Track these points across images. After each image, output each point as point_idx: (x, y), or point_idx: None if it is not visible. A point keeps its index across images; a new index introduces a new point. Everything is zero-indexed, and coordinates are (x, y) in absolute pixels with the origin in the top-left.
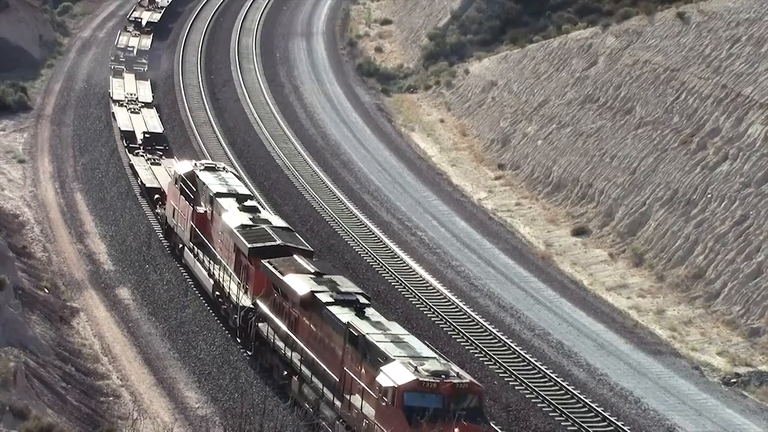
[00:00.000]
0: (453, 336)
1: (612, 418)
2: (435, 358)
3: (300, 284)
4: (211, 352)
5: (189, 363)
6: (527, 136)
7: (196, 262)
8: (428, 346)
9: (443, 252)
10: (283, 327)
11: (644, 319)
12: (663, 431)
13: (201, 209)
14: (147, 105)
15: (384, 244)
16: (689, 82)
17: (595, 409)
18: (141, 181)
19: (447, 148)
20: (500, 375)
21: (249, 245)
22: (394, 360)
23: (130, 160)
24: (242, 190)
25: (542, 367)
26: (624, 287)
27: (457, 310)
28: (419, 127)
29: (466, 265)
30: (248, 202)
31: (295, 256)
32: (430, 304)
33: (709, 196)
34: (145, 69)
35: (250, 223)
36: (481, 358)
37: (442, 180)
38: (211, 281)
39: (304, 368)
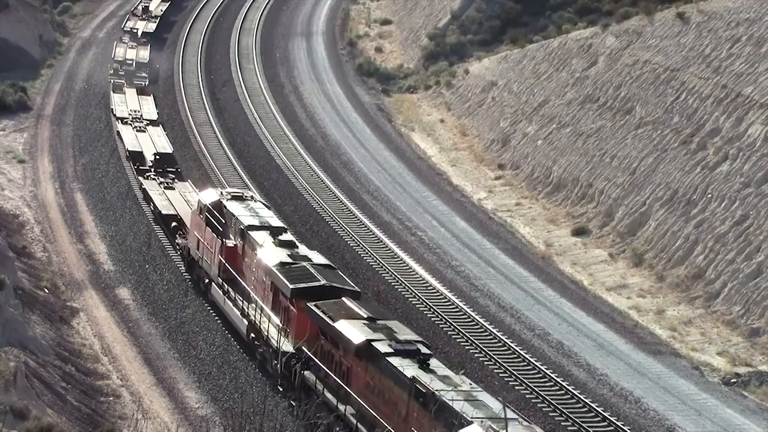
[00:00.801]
0: (453, 336)
1: (612, 418)
2: (516, 419)
3: (354, 332)
4: (211, 352)
5: (189, 363)
6: (527, 136)
7: (226, 299)
8: (503, 403)
9: (443, 252)
10: (334, 377)
11: (644, 319)
12: (663, 431)
13: (230, 243)
14: (152, 123)
15: (384, 244)
16: (689, 82)
17: (595, 409)
18: (155, 208)
19: (447, 148)
20: (500, 375)
21: (291, 286)
22: (472, 422)
23: (141, 185)
24: (275, 222)
25: (542, 367)
26: (624, 287)
27: (457, 310)
28: (419, 127)
29: (466, 265)
30: (284, 236)
31: (344, 298)
32: (430, 304)
33: (709, 196)
34: (146, 83)
35: (289, 260)
36: (481, 358)
37: (442, 180)
38: (245, 322)
39: (360, 425)
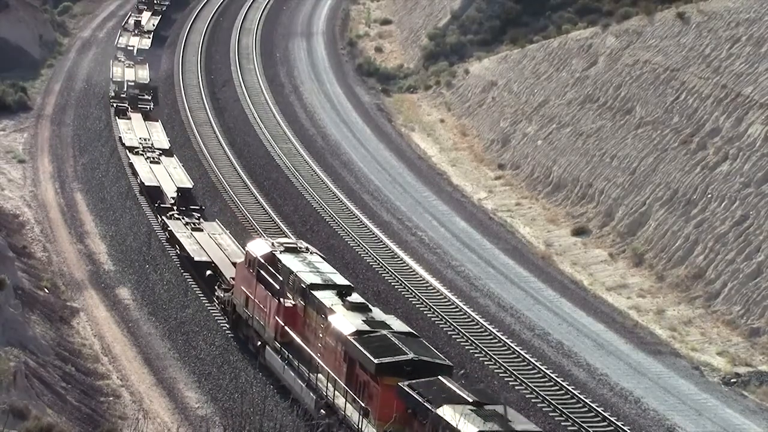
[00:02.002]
0: (453, 336)
1: (612, 418)
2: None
3: (463, 423)
4: (211, 352)
5: (189, 363)
6: (527, 136)
7: (286, 367)
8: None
9: (443, 252)
10: None
11: (644, 319)
12: (663, 431)
13: (289, 303)
14: (165, 152)
15: (384, 244)
16: (689, 82)
17: (595, 409)
18: (182, 251)
19: (447, 148)
20: (500, 375)
21: (376, 361)
22: None
23: (166, 226)
24: (339, 279)
25: (542, 367)
26: (624, 287)
27: (457, 310)
28: (419, 127)
29: (466, 265)
30: (353, 297)
31: (440, 377)
32: (430, 304)
33: (709, 196)
34: (152, 107)
35: (366, 327)
36: (481, 358)
37: (442, 180)
38: (312, 395)
39: None
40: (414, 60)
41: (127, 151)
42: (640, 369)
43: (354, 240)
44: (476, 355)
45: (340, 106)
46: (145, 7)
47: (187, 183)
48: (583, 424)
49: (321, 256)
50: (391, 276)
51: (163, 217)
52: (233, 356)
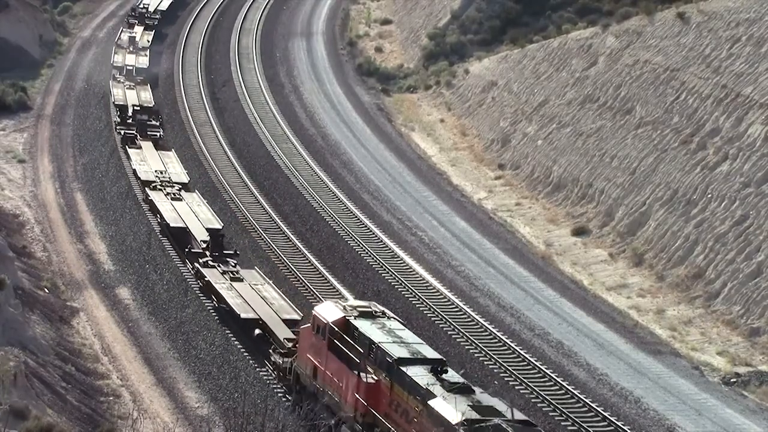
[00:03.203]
0: (453, 336)
1: (612, 418)
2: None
3: None
4: (211, 352)
5: (189, 363)
6: (527, 136)
7: None
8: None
9: (443, 252)
10: None
11: (644, 319)
12: (663, 431)
13: (370, 378)
14: (185, 186)
15: (384, 244)
16: (689, 82)
17: (595, 409)
18: (227, 307)
19: (447, 147)
20: (500, 375)
21: None
22: None
23: (202, 275)
24: (427, 351)
25: (542, 367)
26: (624, 287)
27: (457, 310)
28: (419, 127)
29: (466, 265)
30: (450, 375)
31: None
32: (430, 304)
33: (709, 196)
34: (161, 134)
35: (476, 415)
36: (481, 358)
37: (442, 180)
38: None
39: None
40: (414, 60)
41: (144, 186)
42: (640, 369)
43: (354, 240)
44: (476, 355)
45: (340, 106)
46: (136, 22)
47: (217, 224)
48: (583, 424)
49: (400, 322)
50: (391, 276)
51: (197, 265)
52: (233, 356)
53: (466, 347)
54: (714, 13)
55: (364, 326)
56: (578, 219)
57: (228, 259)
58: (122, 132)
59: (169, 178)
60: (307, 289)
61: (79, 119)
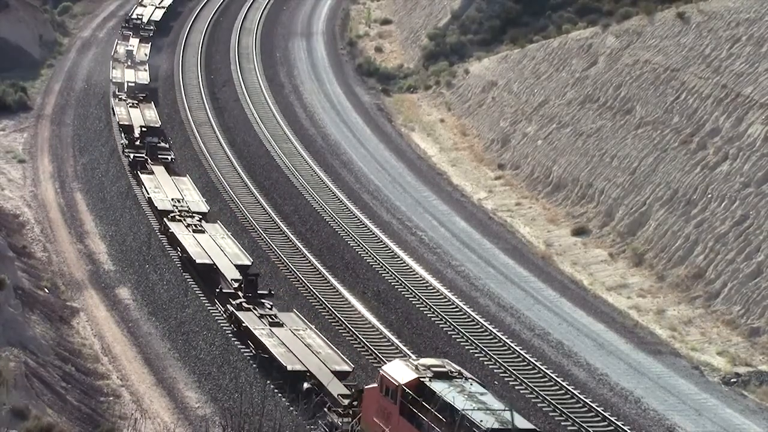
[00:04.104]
0: (453, 336)
1: (612, 418)
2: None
3: None
4: (211, 352)
5: (189, 363)
6: (527, 136)
7: None
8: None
9: (443, 252)
10: None
11: (644, 318)
12: (663, 431)
13: None
14: (205, 217)
15: (384, 244)
16: (689, 82)
17: (595, 409)
18: (266, 354)
19: (447, 148)
20: (500, 375)
21: None
22: None
23: (238, 320)
24: (521, 421)
25: (542, 367)
26: (624, 287)
27: (457, 310)
28: (419, 127)
29: (466, 265)
30: None
31: None
32: (430, 304)
33: (709, 196)
34: (172, 157)
35: None
36: (481, 358)
37: (442, 180)
38: None
39: None
40: (414, 60)
41: (161, 216)
42: (640, 369)
43: (354, 240)
44: (476, 355)
45: (340, 106)
46: (131, 33)
47: (246, 260)
48: (583, 424)
49: (479, 383)
50: (391, 276)
51: (231, 308)
52: (233, 356)
53: (466, 347)
54: (714, 13)
55: (442, 390)
56: (578, 219)
57: (263, 301)
58: (131, 155)
59: (188, 207)
60: (307, 290)
61: (79, 119)
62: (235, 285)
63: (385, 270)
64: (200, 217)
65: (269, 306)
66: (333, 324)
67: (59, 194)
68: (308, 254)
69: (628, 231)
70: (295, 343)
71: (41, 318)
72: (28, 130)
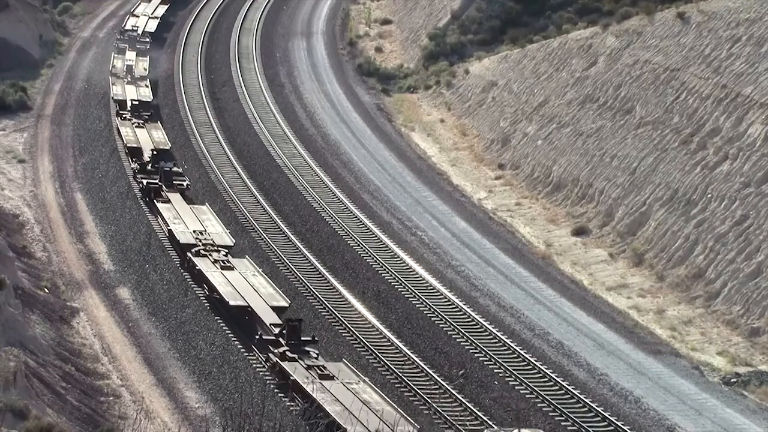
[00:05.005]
0: (453, 336)
1: (612, 418)
2: None
3: None
4: (211, 352)
5: (189, 363)
6: (527, 136)
7: None
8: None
9: (443, 252)
10: None
11: (644, 318)
12: (663, 431)
13: None
14: (229, 250)
15: (384, 244)
16: (689, 82)
17: (595, 409)
18: (323, 412)
19: (447, 147)
20: (500, 375)
21: None
22: None
23: (286, 373)
24: None
25: (542, 367)
26: (624, 287)
27: (457, 310)
28: (419, 127)
29: (466, 265)
30: None
31: None
32: (430, 304)
33: (709, 196)
34: (187, 184)
35: None
36: (481, 358)
37: (442, 180)
38: None
39: None
40: (414, 60)
41: (183, 250)
42: (640, 369)
43: (354, 240)
44: (476, 355)
45: (340, 106)
46: (127, 46)
47: (283, 301)
48: (583, 424)
49: None
50: (391, 276)
51: (275, 358)
52: (233, 356)
53: (466, 347)
54: (714, 13)
55: None
56: (578, 219)
57: (311, 351)
58: (144, 182)
59: (212, 240)
60: (307, 290)
61: (79, 119)
62: (276, 331)
63: (385, 270)
64: (226, 251)
65: (315, 355)
66: (333, 325)
67: (59, 194)
68: (308, 254)
69: (628, 231)
70: (352, 400)
71: (41, 318)
72: (28, 130)
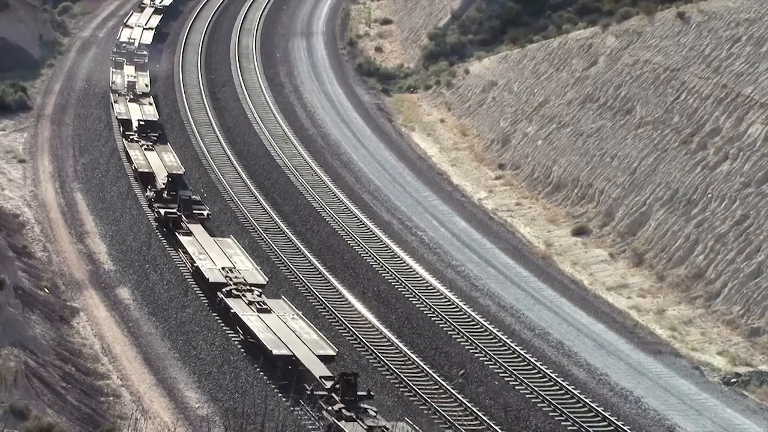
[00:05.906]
0: (453, 336)
1: (612, 418)
2: None
3: None
4: (211, 352)
5: (189, 363)
6: (527, 136)
7: None
8: None
9: (443, 252)
10: None
11: (644, 318)
12: (663, 431)
13: None
14: (263, 289)
15: (384, 244)
16: (689, 82)
17: (595, 409)
18: None
19: (447, 147)
20: (500, 375)
21: None
22: None
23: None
24: None
25: (542, 367)
26: (624, 287)
27: (457, 310)
28: (419, 126)
29: (466, 265)
30: None
31: None
32: (430, 304)
33: (710, 195)
34: (207, 213)
35: None
36: (481, 358)
37: (442, 180)
38: None
39: None
40: (414, 60)
41: (213, 290)
42: (640, 369)
43: (354, 240)
44: (476, 355)
45: (340, 106)
46: (124, 60)
47: (329, 349)
48: (583, 424)
49: None
50: (391, 276)
51: (332, 418)
52: (233, 356)
53: (466, 347)
54: (714, 13)
55: None
56: (578, 219)
57: (366, 407)
58: (162, 211)
59: (243, 278)
60: (307, 290)
61: (79, 119)
62: (328, 385)
63: (385, 270)
64: (260, 291)
65: (374, 413)
66: (333, 324)
67: (59, 194)
68: (308, 254)
69: (628, 231)
70: None
71: (41, 318)
72: (28, 129)
